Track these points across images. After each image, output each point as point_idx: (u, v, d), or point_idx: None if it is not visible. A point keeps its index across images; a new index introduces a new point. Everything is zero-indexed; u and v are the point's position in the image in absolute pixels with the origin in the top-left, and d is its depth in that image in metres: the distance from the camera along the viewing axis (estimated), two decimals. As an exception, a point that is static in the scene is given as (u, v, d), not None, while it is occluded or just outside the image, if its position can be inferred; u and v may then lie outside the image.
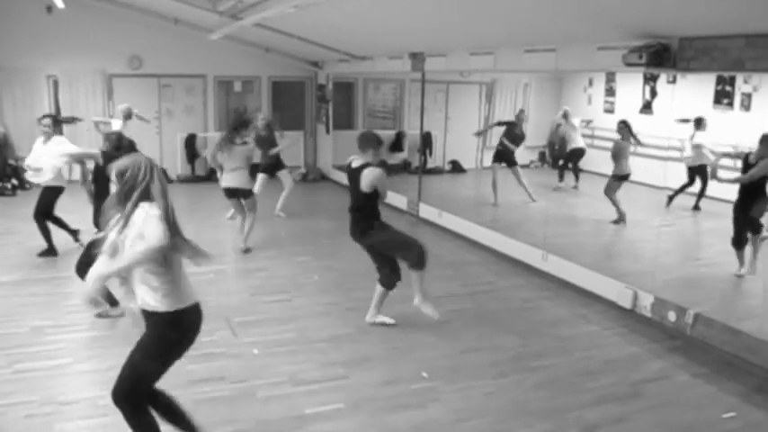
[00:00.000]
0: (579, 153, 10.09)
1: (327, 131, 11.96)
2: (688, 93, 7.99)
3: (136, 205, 2.68)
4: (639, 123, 8.50)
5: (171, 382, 3.65)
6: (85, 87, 10.68)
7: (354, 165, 4.72)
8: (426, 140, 11.48)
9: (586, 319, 5.31)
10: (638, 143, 7.98)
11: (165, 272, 2.74)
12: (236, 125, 6.79)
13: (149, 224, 2.62)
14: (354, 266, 6.16)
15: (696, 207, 8.29)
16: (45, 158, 6.18)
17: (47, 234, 6.50)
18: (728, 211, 6.01)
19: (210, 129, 11.65)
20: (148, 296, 2.76)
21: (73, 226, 6.70)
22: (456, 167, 12.34)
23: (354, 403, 3.81)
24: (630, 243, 7.76)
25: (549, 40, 6.01)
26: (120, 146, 5.12)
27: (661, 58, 4.68)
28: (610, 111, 10.65)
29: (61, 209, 6.60)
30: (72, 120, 9.52)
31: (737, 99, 8.38)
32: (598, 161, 9.40)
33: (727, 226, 6.00)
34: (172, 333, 2.82)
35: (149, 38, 10.79)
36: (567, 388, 4.07)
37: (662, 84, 8.11)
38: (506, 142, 9.26)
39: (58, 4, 9.10)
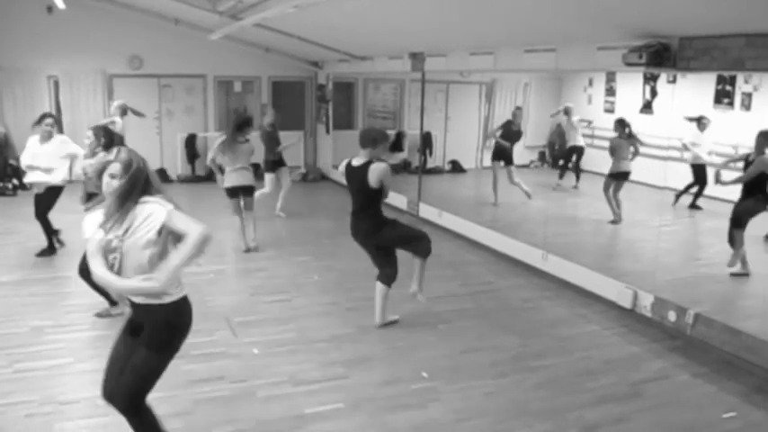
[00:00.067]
0: (578, 152, 10.09)
1: (327, 131, 11.96)
2: (688, 92, 7.99)
3: (137, 200, 2.62)
4: (640, 123, 8.50)
5: (171, 382, 3.65)
6: (86, 87, 10.68)
7: (356, 163, 4.68)
8: (426, 140, 11.48)
9: (586, 318, 5.31)
10: (635, 141, 7.98)
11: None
12: (240, 124, 6.80)
13: (179, 219, 2.57)
14: (354, 266, 6.16)
15: (694, 206, 8.29)
16: (46, 158, 6.16)
17: (50, 232, 6.51)
18: (729, 212, 6.01)
19: (211, 129, 11.66)
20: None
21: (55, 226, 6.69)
22: (456, 167, 12.34)
23: (354, 403, 3.81)
24: (630, 243, 7.76)
25: (549, 40, 6.01)
26: (113, 140, 5.09)
27: (661, 57, 4.68)
28: (610, 110, 10.64)
29: (60, 209, 6.60)
30: (139, 114, 9.49)
31: (738, 99, 8.38)
32: (598, 161, 9.40)
33: (727, 226, 6.00)
34: (178, 319, 2.77)
35: (149, 38, 10.79)
36: (567, 388, 4.07)
37: (662, 83, 8.10)
38: (499, 140, 9.27)
39: (58, 5, 9.11)
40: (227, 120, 11.28)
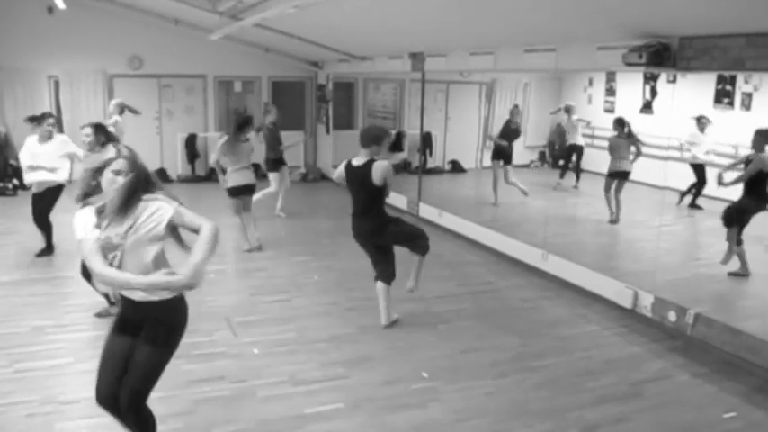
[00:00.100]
0: (578, 151, 10.08)
1: (327, 131, 11.96)
2: (688, 92, 7.97)
3: (141, 197, 2.61)
4: (640, 123, 8.50)
5: (171, 382, 3.65)
6: (86, 88, 10.69)
7: (356, 163, 4.66)
8: (426, 140, 11.47)
9: (586, 318, 5.31)
10: (635, 141, 7.97)
11: (165, 257, 2.72)
12: (242, 124, 6.82)
13: (186, 214, 2.62)
14: (354, 266, 6.16)
15: (694, 205, 8.28)
16: (47, 158, 6.16)
17: (49, 232, 6.51)
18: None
19: (211, 129, 11.66)
20: None
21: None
22: (456, 167, 12.34)
23: (354, 403, 3.81)
24: (631, 243, 7.76)
25: (549, 39, 6.01)
26: (108, 138, 5.09)
27: (661, 57, 4.68)
28: (610, 110, 10.62)
29: (60, 209, 6.60)
30: (135, 111, 9.10)
31: (738, 98, 8.37)
32: (598, 161, 9.39)
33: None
34: (179, 317, 2.79)
35: (150, 38, 10.80)
36: (567, 388, 4.07)
37: (662, 83, 8.09)
38: (497, 140, 9.28)
39: (59, 5, 9.11)
40: (227, 120, 11.30)
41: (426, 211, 8.68)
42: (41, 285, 5.75)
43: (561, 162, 10.52)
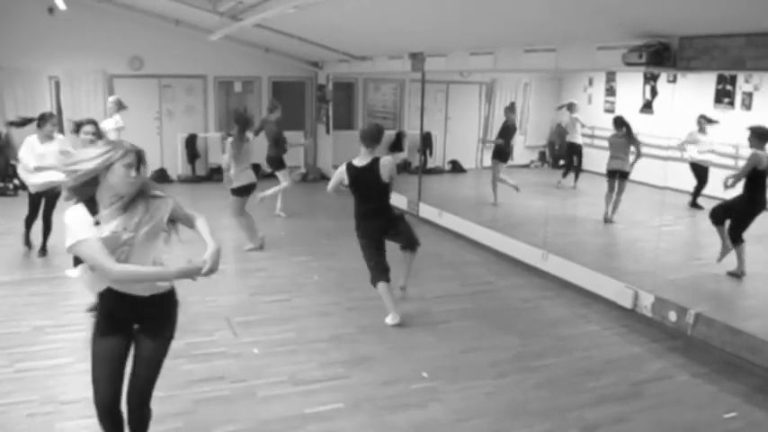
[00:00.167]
0: (577, 150, 10.08)
1: (327, 131, 11.96)
2: (688, 92, 7.99)
3: (148, 192, 2.60)
4: (640, 123, 8.50)
5: (171, 382, 3.65)
6: (87, 88, 10.68)
7: (360, 163, 4.72)
8: (426, 140, 11.47)
9: (586, 318, 5.31)
10: (635, 141, 7.97)
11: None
12: (245, 123, 6.85)
13: (180, 207, 2.70)
14: (354, 266, 6.15)
15: (694, 205, 8.28)
16: (52, 157, 6.15)
17: (48, 233, 6.52)
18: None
19: (211, 129, 11.66)
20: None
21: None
22: (456, 167, 12.34)
23: (354, 403, 3.81)
24: (631, 243, 7.76)
25: (548, 39, 6.01)
26: (100, 135, 5.11)
27: (661, 57, 4.68)
28: (610, 110, 10.64)
29: (61, 208, 6.61)
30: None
31: (738, 98, 8.38)
32: (598, 161, 9.40)
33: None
34: (176, 308, 2.80)
35: (150, 38, 10.79)
36: (567, 388, 4.07)
37: (662, 83, 8.10)
38: (493, 141, 9.32)
39: (59, 6, 9.11)
40: (228, 120, 11.30)
41: (426, 211, 8.68)
42: (42, 285, 5.75)
43: (562, 162, 10.52)
